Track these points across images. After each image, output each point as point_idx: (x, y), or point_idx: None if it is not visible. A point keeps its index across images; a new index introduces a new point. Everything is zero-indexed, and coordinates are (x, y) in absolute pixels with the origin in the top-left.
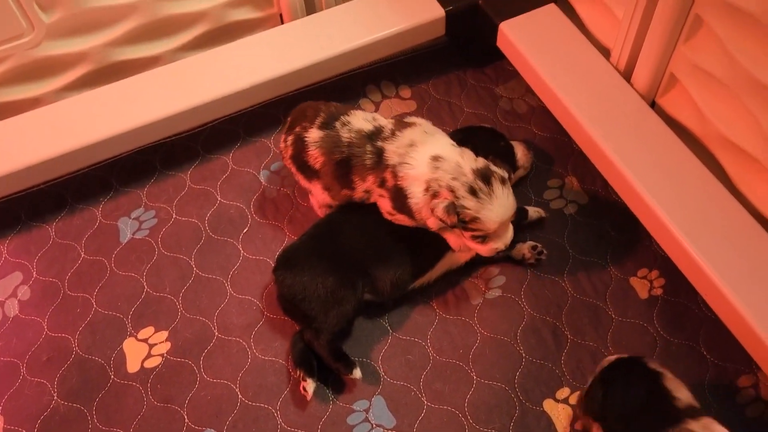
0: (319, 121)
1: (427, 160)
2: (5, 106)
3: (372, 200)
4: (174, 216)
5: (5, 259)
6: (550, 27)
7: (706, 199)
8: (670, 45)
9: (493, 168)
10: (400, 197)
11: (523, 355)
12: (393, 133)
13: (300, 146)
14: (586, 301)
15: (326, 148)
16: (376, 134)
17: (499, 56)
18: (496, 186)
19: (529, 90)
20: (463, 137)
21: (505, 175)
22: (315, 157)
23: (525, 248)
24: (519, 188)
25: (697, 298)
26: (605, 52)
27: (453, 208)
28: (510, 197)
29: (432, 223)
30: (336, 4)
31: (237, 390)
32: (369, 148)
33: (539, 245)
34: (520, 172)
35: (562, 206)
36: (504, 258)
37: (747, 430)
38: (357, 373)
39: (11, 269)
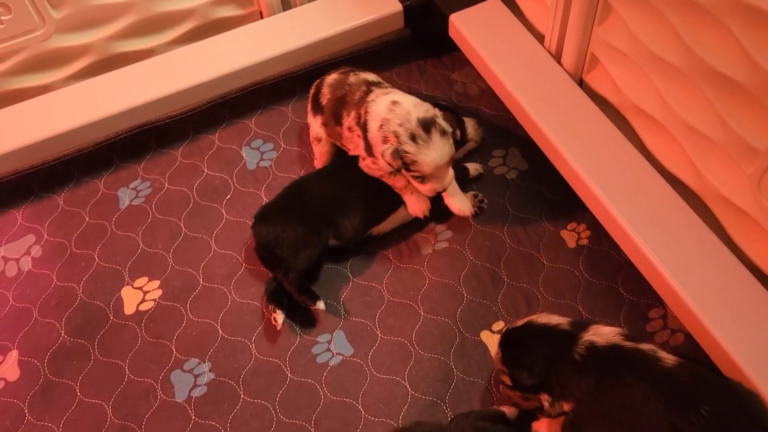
0: (341, 69)
1: (388, 102)
2: (20, 92)
3: (351, 148)
4: (166, 186)
5: (20, 224)
6: (494, 18)
7: (621, 161)
8: (588, 28)
9: (438, 120)
10: (365, 133)
11: (465, 295)
12: (386, 87)
13: (320, 85)
14: (522, 250)
15: (333, 87)
16: (374, 84)
17: (455, 47)
18: (435, 135)
19: (480, 75)
20: None
21: (449, 128)
22: (325, 94)
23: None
24: (468, 157)
25: (616, 246)
26: (540, 38)
27: (397, 153)
28: (446, 146)
29: (383, 164)
30: (309, 2)
31: (218, 327)
32: (363, 88)
33: (480, 194)
34: (471, 145)
35: (504, 172)
36: (450, 211)
37: None
38: (321, 304)
39: (25, 232)
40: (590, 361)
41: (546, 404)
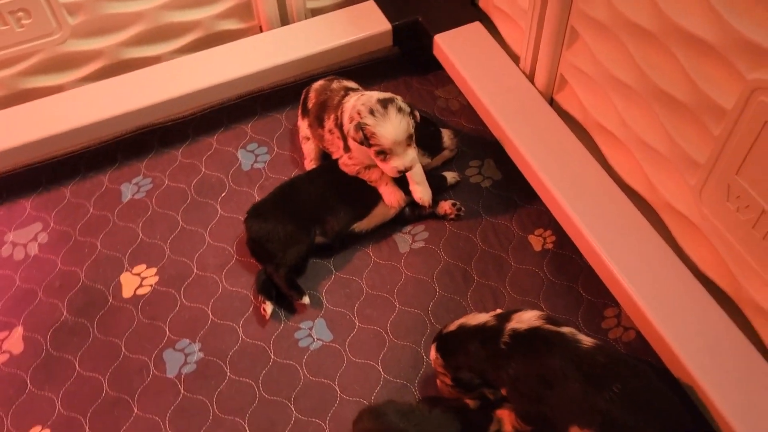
0: (328, 77)
1: (357, 96)
2: (35, 91)
3: (333, 151)
4: (166, 182)
5: (28, 213)
6: (474, 39)
7: (584, 174)
8: (557, 51)
9: (397, 100)
10: (341, 130)
11: (437, 290)
12: (362, 92)
13: (308, 91)
14: (492, 252)
15: (318, 92)
16: (353, 89)
17: (440, 66)
18: (391, 110)
19: (461, 92)
20: None
21: (407, 108)
22: (311, 98)
23: (446, 205)
24: (446, 166)
25: (578, 251)
26: (516, 59)
27: (359, 126)
28: (402, 121)
29: (357, 157)
30: (306, 18)
31: (209, 312)
32: (342, 93)
33: (458, 202)
34: (447, 154)
35: (479, 181)
36: (429, 216)
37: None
38: (306, 299)
39: (33, 220)
40: (514, 347)
41: (491, 397)
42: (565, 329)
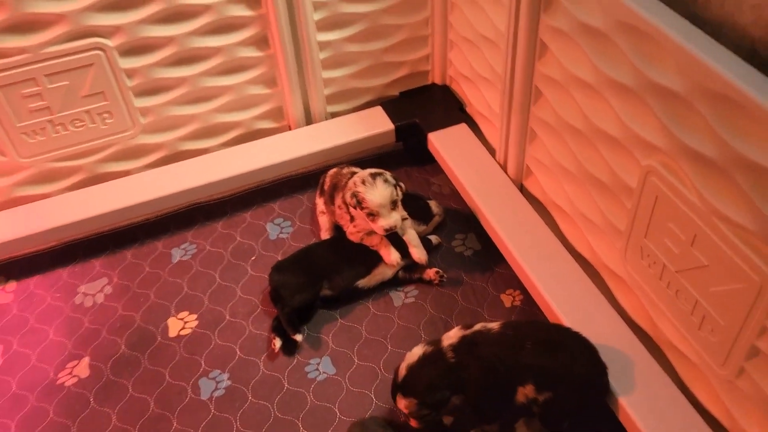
0: (340, 165)
1: (356, 175)
2: (108, 174)
3: (343, 223)
4: (208, 248)
5: (97, 270)
6: (461, 137)
7: (545, 245)
8: (522, 146)
9: (385, 173)
10: (347, 205)
11: (423, 336)
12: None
13: (324, 176)
14: (470, 307)
15: (332, 176)
16: (357, 173)
17: (434, 158)
18: (379, 180)
19: (451, 180)
20: None
21: (392, 180)
22: (327, 182)
23: (431, 272)
24: (434, 232)
25: (539, 308)
26: (493, 152)
27: (354, 194)
28: (387, 189)
29: (359, 224)
30: (326, 119)
31: (237, 349)
32: (349, 176)
33: (441, 270)
34: (437, 219)
35: (463, 251)
36: (417, 280)
37: None
38: (299, 336)
39: (100, 276)
40: (459, 356)
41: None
42: (478, 326)
